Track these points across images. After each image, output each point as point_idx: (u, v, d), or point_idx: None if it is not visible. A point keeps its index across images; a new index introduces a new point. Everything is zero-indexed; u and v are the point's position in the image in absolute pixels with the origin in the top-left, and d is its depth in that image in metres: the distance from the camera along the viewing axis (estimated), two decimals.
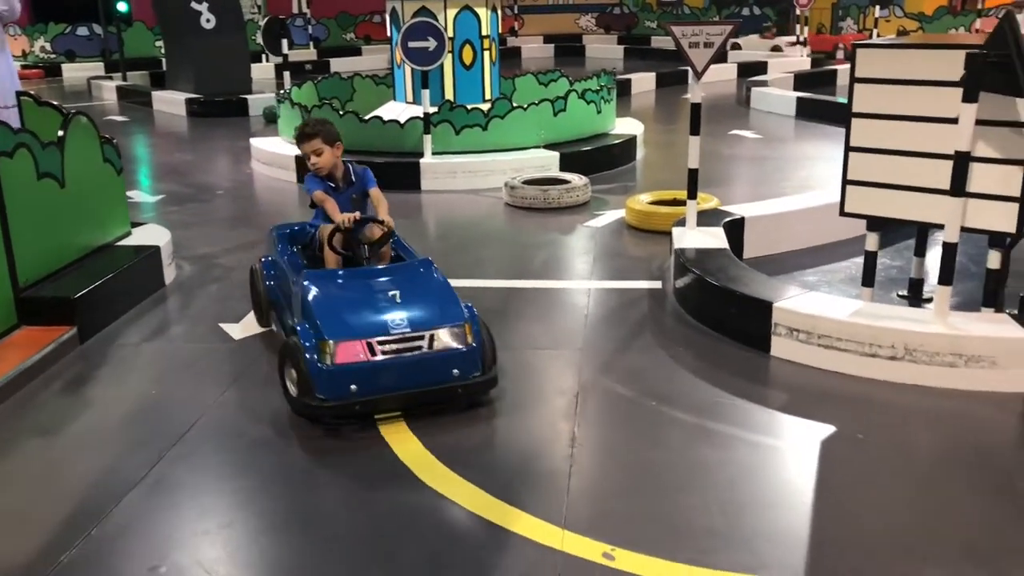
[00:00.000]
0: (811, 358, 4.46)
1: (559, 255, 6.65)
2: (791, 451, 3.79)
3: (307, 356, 3.86)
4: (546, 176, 8.40)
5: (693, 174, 5.91)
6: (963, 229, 4.23)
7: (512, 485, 3.46)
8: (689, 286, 5.27)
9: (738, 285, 4.90)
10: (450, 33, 9.72)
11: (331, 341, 3.86)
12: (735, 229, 6.12)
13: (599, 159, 9.39)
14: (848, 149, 4.54)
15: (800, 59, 17.99)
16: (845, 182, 4.59)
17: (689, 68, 5.69)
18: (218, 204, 8.59)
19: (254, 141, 10.36)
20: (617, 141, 9.85)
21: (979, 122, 4.02)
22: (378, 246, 4.59)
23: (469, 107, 9.25)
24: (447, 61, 9.67)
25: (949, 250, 4.24)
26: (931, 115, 4.16)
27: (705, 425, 3.98)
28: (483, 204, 8.23)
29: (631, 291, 5.75)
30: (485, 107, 9.41)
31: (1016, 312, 4.56)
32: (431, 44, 8.65)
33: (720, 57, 18.65)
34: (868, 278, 4.85)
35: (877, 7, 19.76)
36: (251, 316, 5.26)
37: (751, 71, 16.86)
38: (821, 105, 12.54)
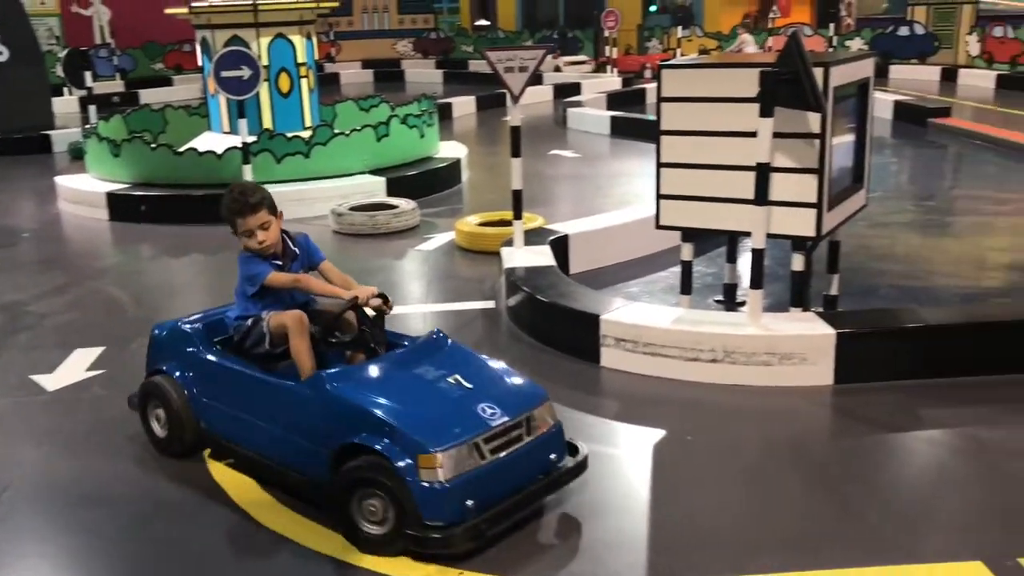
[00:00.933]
0: (639, 366, 4.64)
1: (392, 280, 6.63)
2: (626, 457, 3.93)
3: (404, 477, 3.05)
4: (373, 202, 8.37)
5: (517, 195, 6.05)
6: (768, 235, 4.52)
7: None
8: (521, 304, 5.37)
9: (567, 300, 5.04)
10: (264, 61, 9.53)
11: (437, 452, 3.07)
12: (560, 246, 6.29)
13: (425, 183, 9.43)
14: (659, 165, 4.76)
15: (612, 79, 18.73)
16: (659, 197, 4.81)
17: (507, 92, 5.82)
18: (24, 248, 8.06)
19: (60, 179, 9.78)
20: (442, 164, 9.93)
21: (776, 135, 4.31)
22: (381, 325, 3.70)
23: (289, 135, 9.09)
24: (263, 89, 9.46)
25: (757, 256, 4.52)
26: (733, 130, 4.43)
27: None
28: (311, 233, 8.01)
29: (466, 312, 5.80)
30: (306, 135, 9.28)
31: (822, 310, 4.91)
32: (245, 73, 8.42)
33: (536, 79, 19.08)
34: (686, 286, 5.09)
35: (679, 28, 20.84)
36: (72, 360, 4.96)
37: (566, 92, 17.39)
38: (634, 123, 13.07)
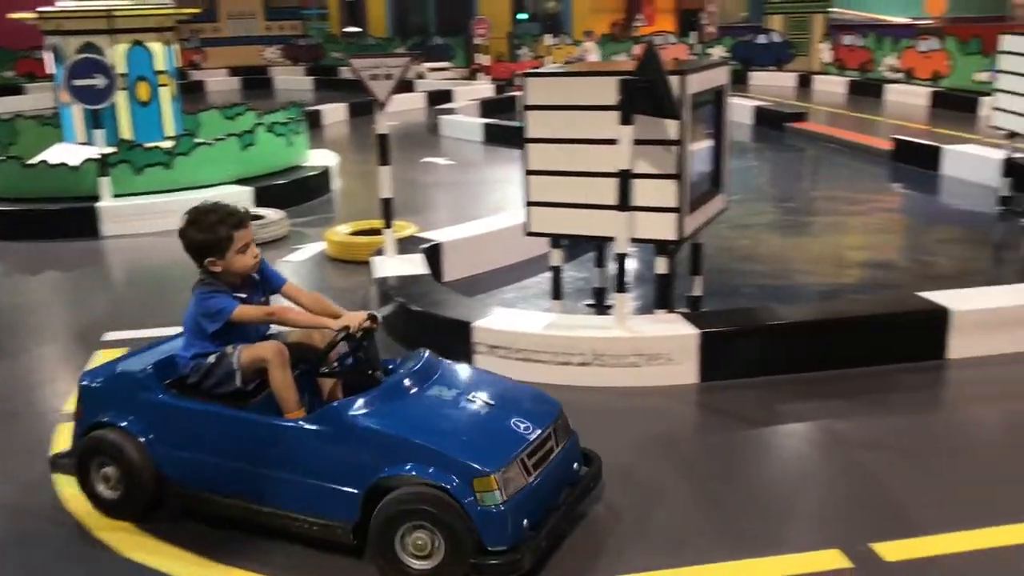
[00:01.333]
0: (512, 371, 4.63)
1: None
2: None
3: (461, 505, 2.91)
4: None
5: (387, 203, 5.99)
6: (633, 240, 4.62)
7: None
8: (394, 313, 5.32)
9: (439, 308, 5.02)
10: (121, 69, 9.16)
11: (493, 474, 2.93)
12: (433, 254, 6.27)
13: (295, 192, 9.24)
14: (527, 173, 4.80)
15: (484, 86, 18.81)
16: (527, 204, 4.85)
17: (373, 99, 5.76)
18: None
19: None
20: (312, 173, 9.76)
21: (637, 142, 4.41)
22: (374, 347, 3.42)
23: (148, 145, 8.76)
24: (120, 99, 9.10)
25: (621, 260, 4.61)
26: (595, 137, 4.51)
27: None
28: (175, 246, 7.78)
29: None
30: (167, 145, 8.96)
31: (686, 311, 5.04)
32: (99, 81, 8.11)
33: (407, 86, 18.93)
34: (556, 291, 5.15)
35: (549, 35, 21.11)
36: None
37: (439, 99, 17.37)
38: (506, 130, 13.15)
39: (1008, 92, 7.65)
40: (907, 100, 15.77)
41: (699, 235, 5.12)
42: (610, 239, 4.69)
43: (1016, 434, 4.21)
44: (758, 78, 19.05)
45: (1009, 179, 7.95)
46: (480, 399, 3.26)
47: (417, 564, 2.97)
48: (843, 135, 12.23)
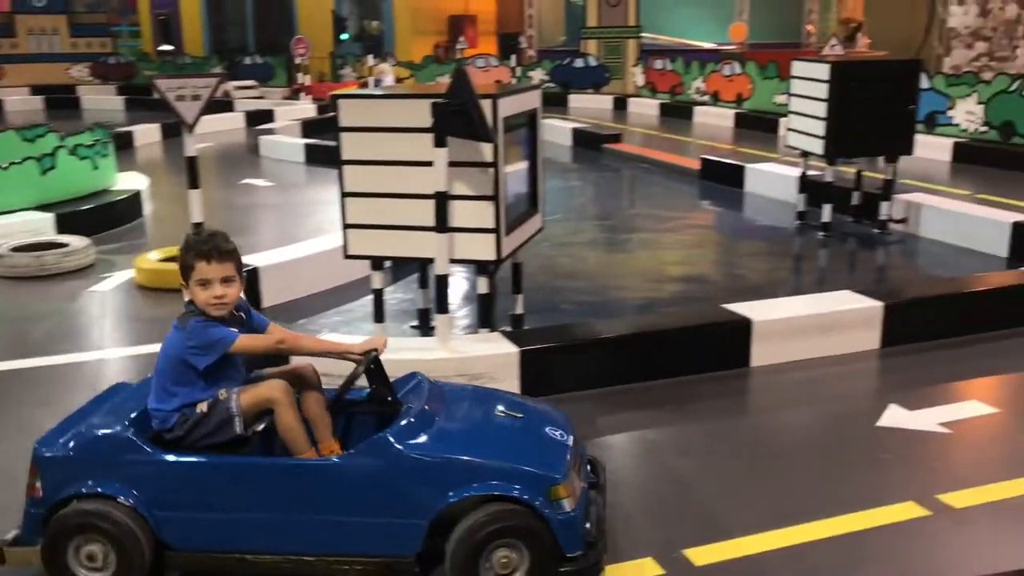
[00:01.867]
0: None
1: (65, 327, 6.08)
2: None
3: (542, 514, 2.90)
4: (41, 240, 7.64)
5: (198, 228, 5.76)
6: (453, 260, 4.64)
7: None
8: None
9: None
10: None
11: (563, 481, 2.96)
12: (250, 279, 6.08)
13: (101, 218, 8.76)
14: (344, 195, 4.74)
15: (306, 106, 18.51)
16: (345, 226, 4.79)
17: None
18: None
19: None
20: (120, 197, 9.28)
21: (454, 164, 4.44)
22: (384, 373, 3.33)
23: None
24: None
25: (441, 281, 4.62)
26: (411, 159, 4.51)
27: None
28: None
29: (150, 355, 5.43)
30: None
31: (508, 329, 5.11)
32: None
33: (226, 106, 18.36)
34: (378, 314, 5.10)
35: (371, 56, 21.04)
36: None
37: (259, 119, 16.93)
38: (328, 151, 12.94)
39: (799, 114, 8.22)
40: (714, 121, 16.66)
41: (518, 254, 5.20)
42: (430, 260, 4.69)
43: (813, 435, 4.50)
44: (577, 100, 19.65)
45: (804, 195, 8.53)
46: (504, 412, 3.27)
47: None
48: (656, 155, 12.78)
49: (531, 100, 5.09)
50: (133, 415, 3.16)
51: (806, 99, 8.02)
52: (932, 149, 12.06)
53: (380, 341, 3.30)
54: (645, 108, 18.62)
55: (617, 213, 10.29)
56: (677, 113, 17.77)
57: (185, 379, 3.11)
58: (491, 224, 4.57)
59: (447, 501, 2.92)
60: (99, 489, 3.01)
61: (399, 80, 20.42)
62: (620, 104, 19.21)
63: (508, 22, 26.22)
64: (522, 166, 5.14)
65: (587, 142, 14.09)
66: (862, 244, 8.09)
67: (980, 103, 12.08)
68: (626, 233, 9.01)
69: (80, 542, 3.01)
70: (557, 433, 3.23)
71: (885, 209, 8.11)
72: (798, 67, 8.23)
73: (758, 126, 15.32)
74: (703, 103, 17.50)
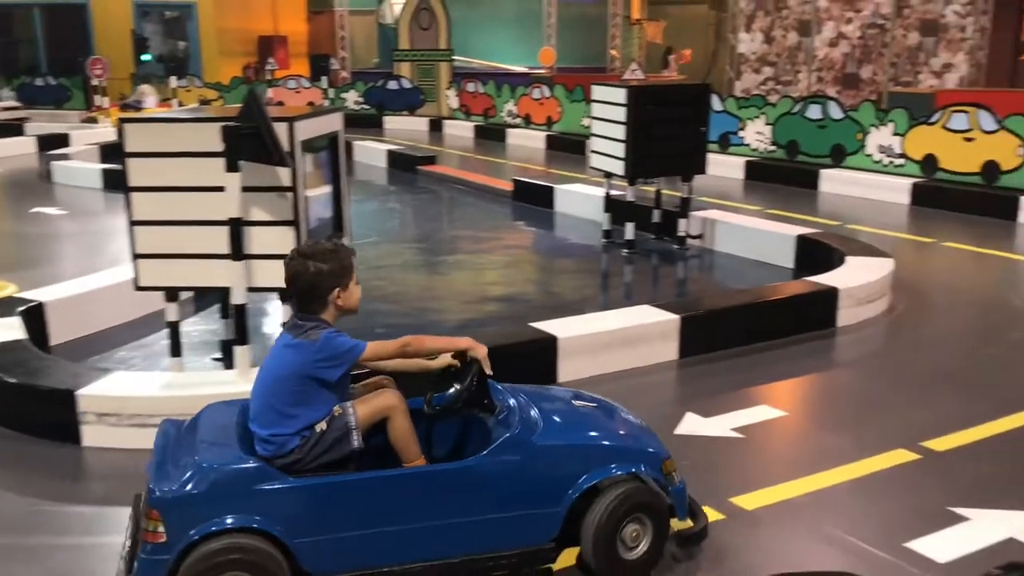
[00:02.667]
0: (126, 440, 4.32)
1: None
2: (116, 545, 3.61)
3: (664, 488, 3.33)
4: None
5: None
6: (251, 289, 4.48)
7: None
8: None
9: (37, 378, 4.56)
10: None
11: (670, 456, 3.40)
12: (35, 316, 5.67)
13: None
14: (132, 223, 4.50)
15: (105, 129, 17.54)
16: (135, 256, 4.54)
17: None
18: None
19: None
20: None
21: (250, 189, 4.29)
22: (484, 379, 3.34)
23: None
24: None
25: (240, 311, 4.46)
26: (203, 185, 4.32)
27: (18, 543, 3.61)
28: None
29: None
30: None
31: None
32: None
33: (15, 130, 17.17)
34: (175, 348, 4.86)
35: (174, 78, 20.23)
36: None
37: (52, 144, 15.91)
38: None
39: (600, 136, 8.52)
40: (527, 143, 17.05)
41: None
42: (226, 289, 4.52)
43: None
44: (393, 122, 19.62)
45: (609, 214, 8.83)
46: (582, 403, 3.56)
47: (632, 554, 3.25)
48: (470, 177, 12.92)
49: (332, 123, 5.01)
50: (238, 443, 3.07)
51: (606, 122, 8.32)
52: (726, 167, 12.82)
53: (480, 344, 3.28)
54: (460, 130, 18.81)
55: (433, 235, 10.31)
56: (491, 135, 18.05)
57: (304, 398, 3.05)
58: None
59: (580, 487, 3.17)
60: (237, 523, 2.90)
61: (205, 102, 19.74)
62: (436, 126, 19.32)
63: (320, 44, 25.91)
64: (325, 190, 5.05)
65: (402, 164, 14.07)
66: (663, 259, 8.46)
67: (768, 124, 12.94)
68: (442, 255, 9.04)
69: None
70: (632, 416, 3.56)
71: (683, 226, 8.52)
72: (598, 91, 8.52)
73: (568, 148, 15.78)
74: (516, 125, 17.86)
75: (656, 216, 8.82)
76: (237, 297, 4.41)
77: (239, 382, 4.48)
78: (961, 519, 3.74)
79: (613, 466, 3.21)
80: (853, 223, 9.74)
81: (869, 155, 11.66)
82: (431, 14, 20.25)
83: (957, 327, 6.41)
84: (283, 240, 4.44)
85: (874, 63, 17.12)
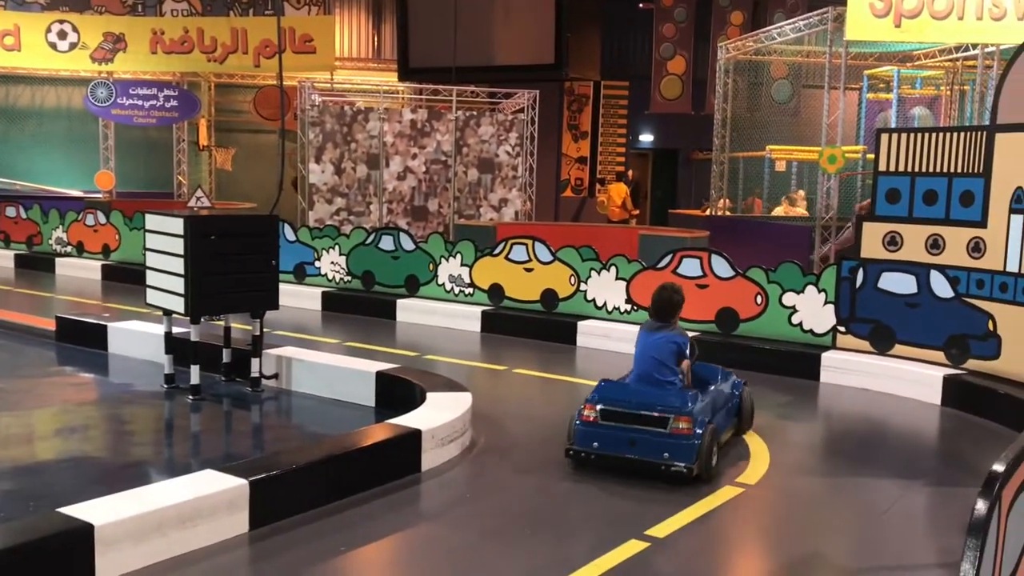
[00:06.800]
0: None
1: None
2: None
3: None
4: None
5: None
6: None
7: None
8: None
9: None
10: None
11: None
12: None
13: None
14: None
15: None
16: None
17: None
18: None
19: None
20: None
21: None
22: None
23: None
24: None
25: None
26: None
27: None
28: None
29: None
30: None
31: None
32: None
33: None
34: None
35: None
36: None
37: None
38: None
39: (156, 270, 7.60)
40: (81, 274, 15.31)
41: None
42: None
43: None
44: None
45: (170, 356, 7.84)
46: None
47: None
48: (3, 315, 11.04)
49: None
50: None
51: (163, 255, 7.44)
52: (303, 299, 12.37)
53: None
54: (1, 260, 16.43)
55: None
56: (37, 265, 15.99)
57: (675, 361, 6.10)
58: None
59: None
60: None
61: None
62: None
63: None
64: None
65: None
66: (235, 405, 7.64)
67: (342, 254, 12.75)
68: None
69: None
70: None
71: (256, 366, 7.81)
72: (152, 221, 7.62)
73: (128, 278, 14.28)
74: (67, 254, 15.99)
75: (226, 356, 8.01)
76: None
77: None
78: None
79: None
80: (431, 353, 9.71)
81: (441, 284, 11.90)
82: None
83: (536, 461, 6.34)
84: None
85: (440, 196, 17.96)
